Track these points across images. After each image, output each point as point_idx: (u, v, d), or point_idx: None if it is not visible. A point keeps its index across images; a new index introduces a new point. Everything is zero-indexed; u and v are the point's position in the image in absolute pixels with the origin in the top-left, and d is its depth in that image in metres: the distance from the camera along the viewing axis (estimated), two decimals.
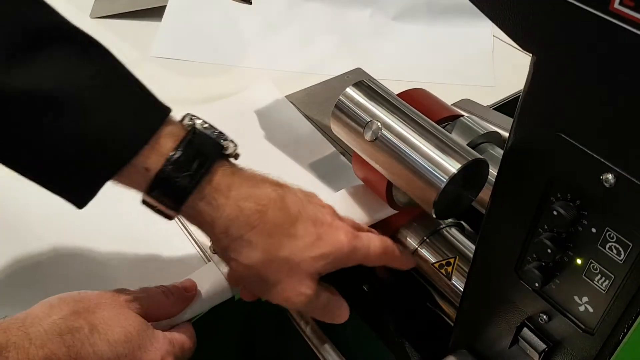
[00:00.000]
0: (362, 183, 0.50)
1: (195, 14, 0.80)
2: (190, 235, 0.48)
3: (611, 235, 0.30)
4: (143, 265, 0.47)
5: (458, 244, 0.50)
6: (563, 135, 0.29)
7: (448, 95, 0.60)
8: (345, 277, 0.55)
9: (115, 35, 0.81)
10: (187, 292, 0.41)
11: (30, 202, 0.51)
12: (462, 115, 0.47)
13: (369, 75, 0.71)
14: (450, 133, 0.44)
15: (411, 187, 0.37)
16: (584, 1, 0.25)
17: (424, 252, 0.50)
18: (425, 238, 0.50)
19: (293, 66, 0.76)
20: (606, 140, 0.28)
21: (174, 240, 0.49)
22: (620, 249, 0.29)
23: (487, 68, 0.77)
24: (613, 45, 0.25)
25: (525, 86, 0.31)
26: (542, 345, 0.37)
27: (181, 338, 0.40)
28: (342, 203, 0.49)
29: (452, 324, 0.47)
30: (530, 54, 0.30)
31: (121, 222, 0.50)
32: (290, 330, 0.47)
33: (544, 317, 0.36)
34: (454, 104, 0.58)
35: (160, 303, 0.40)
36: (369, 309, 0.53)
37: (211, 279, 0.43)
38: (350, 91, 0.40)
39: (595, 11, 0.25)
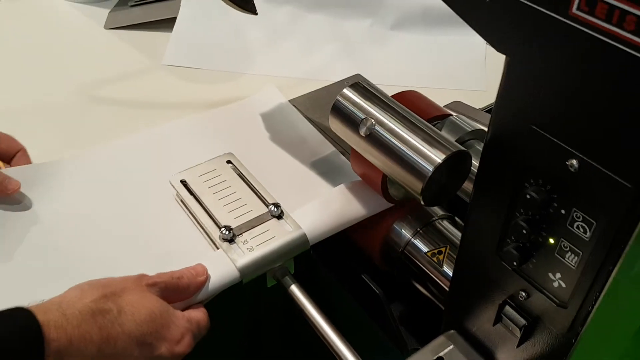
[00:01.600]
0: (359, 179, 0.54)
1: (204, 24, 0.84)
2: (200, 226, 0.51)
3: (578, 215, 0.33)
4: (155, 255, 0.50)
5: (449, 234, 0.53)
6: (534, 127, 0.33)
7: (442, 98, 0.63)
8: (345, 267, 0.59)
9: (129, 45, 0.85)
10: (198, 277, 0.44)
11: (46, 202, 0.54)
12: (452, 115, 0.50)
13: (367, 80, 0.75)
14: (440, 130, 0.47)
15: (402, 177, 0.40)
16: (547, 7, 0.29)
17: (417, 242, 0.53)
18: (418, 229, 0.53)
19: (296, 73, 0.79)
20: (571, 130, 0.31)
21: (184, 231, 0.52)
22: (586, 227, 0.32)
23: (480, 73, 0.80)
24: (574, 46, 0.28)
25: (500, 84, 0.34)
26: (522, 321, 0.40)
27: (197, 317, 0.43)
28: (341, 197, 0.52)
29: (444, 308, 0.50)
30: (505, 55, 0.33)
31: (133, 216, 0.53)
32: (295, 314, 0.50)
33: (523, 294, 0.39)
34: (445, 106, 0.61)
35: (175, 287, 0.43)
36: (368, 297, 0.56)
37: (220, 265, 0.46)
38: (347, 91, 0.43)
39: (557, 16, 0.28)
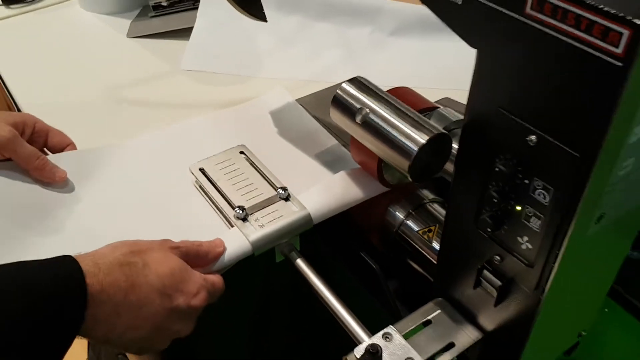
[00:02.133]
0: (359, 167, 0.59)
1: (218, 32, 0.90)
2: (217, 207, 0.56)
3: (538, 184, 0.37)
4: (177, 233, 0.55)
5: (438, 215, 0.58)
6: (501, 109, 0.38)
7: (435, 96, 0.68)
8: (346, 247, 0.64)
9: (149, 52, 0.91)
10: (217, 248, 0.50)
11: (86, 185, 0.60)
12: (439, 107, 0.55)
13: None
14: (429, 120, 0.52)
15: (392, 157, 0.45)
16: (507, 7, 0.34)
17: (410, 222, 0.58)
18: (411, 211, 0.58)
19: (303, 75, 0.84)
20: (530, 110, 0.36)
21: (202, 212, 0.57)
22: (545, 193, 0.37)
23: (470, 75, 0.85)
24: (529, 40, 0.34)
25: (473, 74, 0.39)
26: (498, 282, 0.44)
27: (213, 279, 0.48)
28: (341, 182, 0.57)
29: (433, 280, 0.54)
30: (475, 49, 0.38)
31: (158, 200, 0.59)
32: (302, 289, 0.55)
33: (498, 258, 0.44)
34: (436, 102, 0.66)
35: (195, 252, 0.48)
36: (366, 273, 0.61)
37: (235, 239, 0.51)
38: (346, 85, 0.49)
39: (515, 14, 0.34)
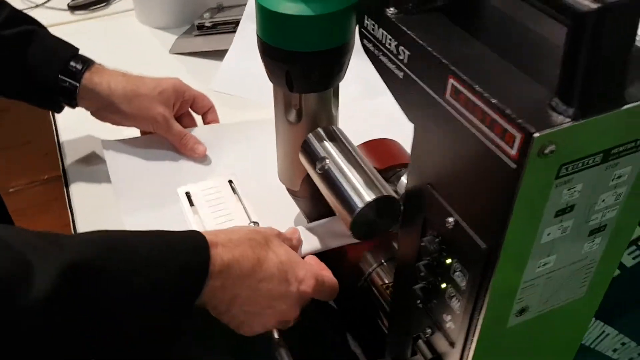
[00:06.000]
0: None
1: (249, 58, 0.92)
2: None
3: (457, 266, 0.37)
4: None
5: None
6: (429, 186, 0.37)
7: None
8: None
9: (186, 69, 0.95)
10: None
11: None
12: None
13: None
14: (402, 175, 0.52)
15: (338, 210, 0.45)
16: (431, 88, 0.34)
17: (380, 271, 0.57)
18: (383, 262, 0.58)
19: None
20: (451, 191, 0.35)
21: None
22: (463, 276, 0.36)
23: None
24: (448, 123, 0.33)
25: (411, 148, 0.39)
26: (429, 354, 0.43)
27: (324, 274, 0.51)
28: (318, 229, 0.58)
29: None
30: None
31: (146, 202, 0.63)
32: None
33: (429, 331, 0.43)
34: None
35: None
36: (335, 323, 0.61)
37: None
38: (319, 131, 0.49)
39: (437, 97, 0.33)
